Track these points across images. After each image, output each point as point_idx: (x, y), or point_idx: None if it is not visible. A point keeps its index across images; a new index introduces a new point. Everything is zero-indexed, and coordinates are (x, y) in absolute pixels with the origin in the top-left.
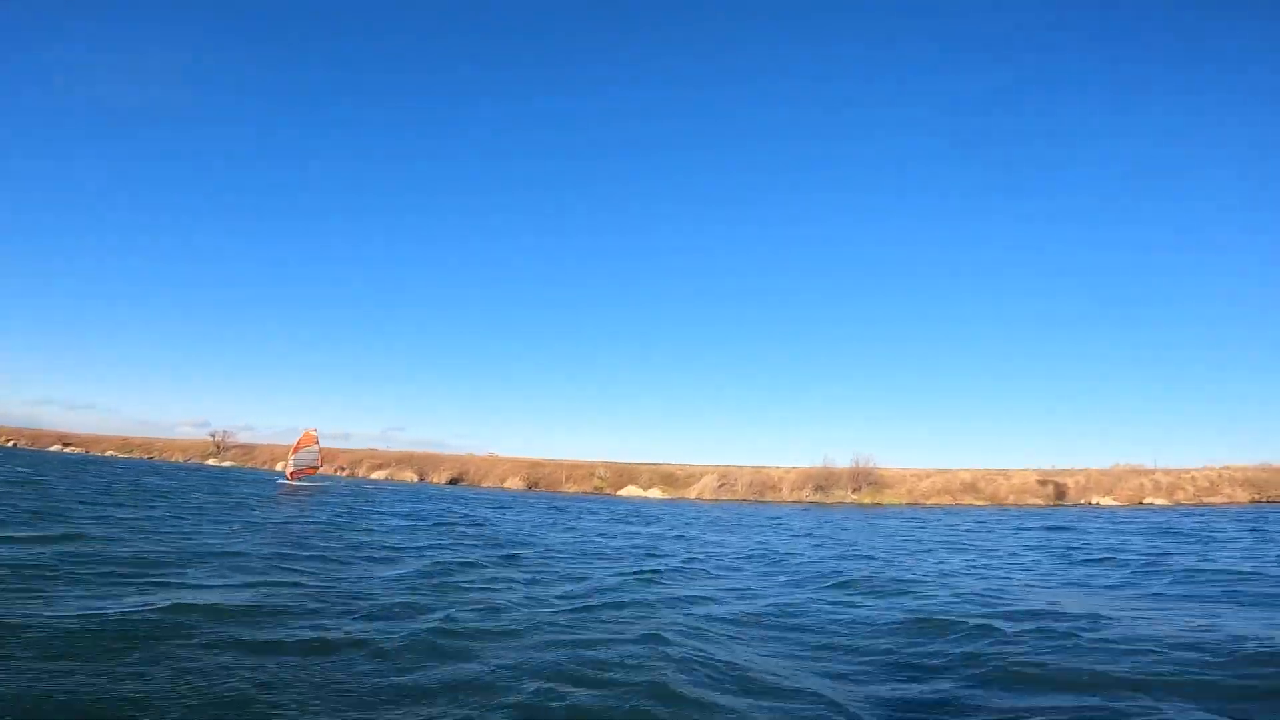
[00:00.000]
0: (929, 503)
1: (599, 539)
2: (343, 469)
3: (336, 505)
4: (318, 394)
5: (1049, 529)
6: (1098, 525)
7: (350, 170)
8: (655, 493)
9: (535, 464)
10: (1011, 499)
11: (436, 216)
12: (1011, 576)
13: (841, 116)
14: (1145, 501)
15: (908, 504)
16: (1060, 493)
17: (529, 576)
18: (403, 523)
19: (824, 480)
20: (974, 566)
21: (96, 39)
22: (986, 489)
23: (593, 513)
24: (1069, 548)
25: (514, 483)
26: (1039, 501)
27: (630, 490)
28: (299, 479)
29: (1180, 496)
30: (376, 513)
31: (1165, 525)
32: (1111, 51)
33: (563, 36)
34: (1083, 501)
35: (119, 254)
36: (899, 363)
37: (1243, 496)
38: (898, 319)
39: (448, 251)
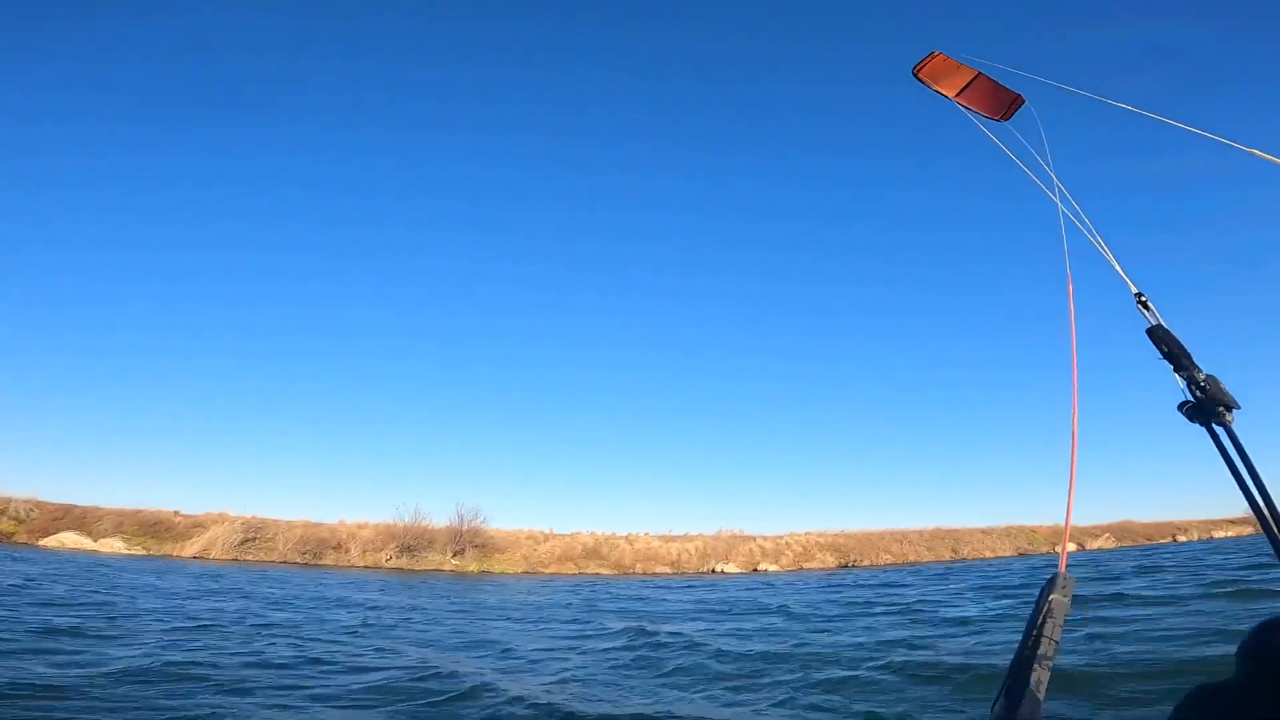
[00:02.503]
0: (549, 571)
1: None
2: None
3: None
4: None
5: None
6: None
7: None
8: (116, 545)
9: None
10: (639, 566)
11: None
12: None
13: None
14: (760, 568)
15: (525, 573)
16: (680, 558)
17: None
18: None
19: (414, 539)
20: None
21: None
22: (611, 555)
23: None
24: None
25: None
26: (665, 569)
27: (64, 538)
28: None
29: (784, 562)
30: None
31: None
32: None
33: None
34: (705, 569)
35: None
36: (508, 408)
37: (831, 561)
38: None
39: None
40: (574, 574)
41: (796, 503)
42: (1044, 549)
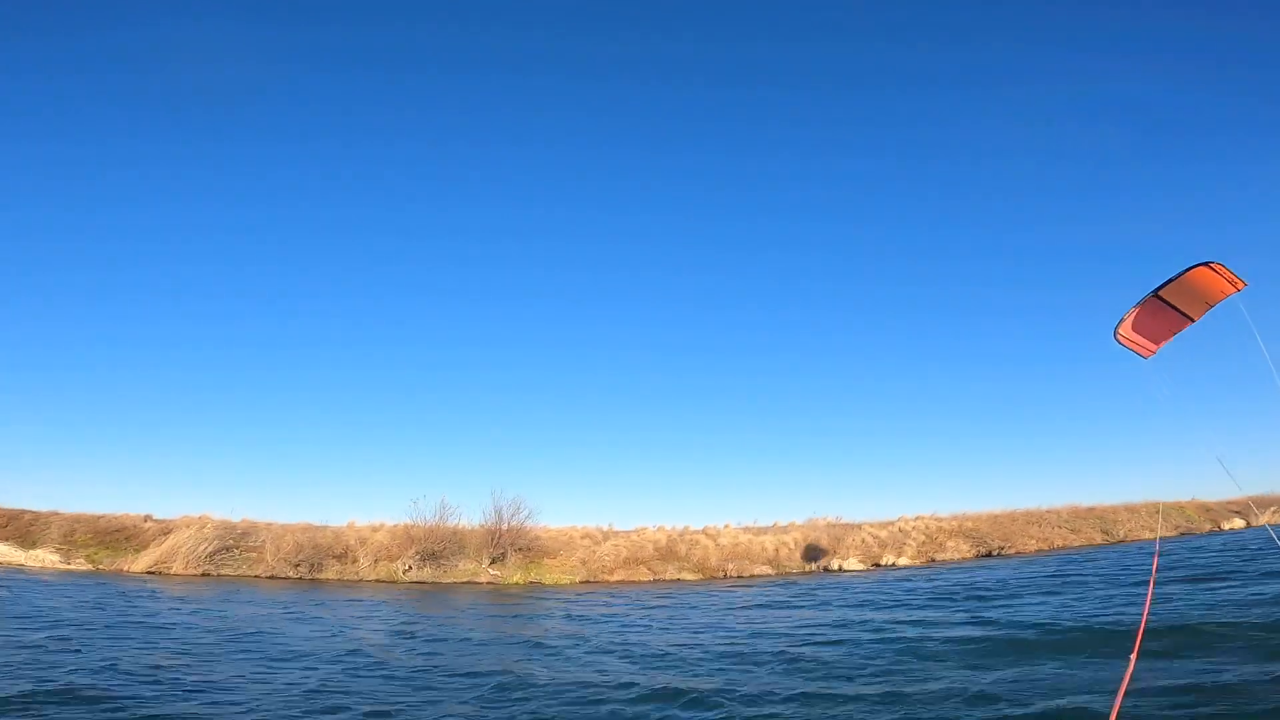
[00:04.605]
0: (614, 579)
1: None
2: None
3: None
4: None
5: None
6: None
7: None
8: (49, 559)
9: None
10: (730, 567)
11: None
12: None
13: None
14: (883, 561)
15: (584, 582)
16: (779, 554)
17: None
18: None
19: (439, 543)
20: None
21: None
22: (691, 554)
23: None
24: None
25: None
26: (764, 569)
27: None
28: None
29: (909, 554)
30: None
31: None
32: None
33: None
34: (816, 567)
35: None
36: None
37: (967, 550)
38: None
39: None
40: (647, 581)
41: (873, 487)
42: (1206, 527)
